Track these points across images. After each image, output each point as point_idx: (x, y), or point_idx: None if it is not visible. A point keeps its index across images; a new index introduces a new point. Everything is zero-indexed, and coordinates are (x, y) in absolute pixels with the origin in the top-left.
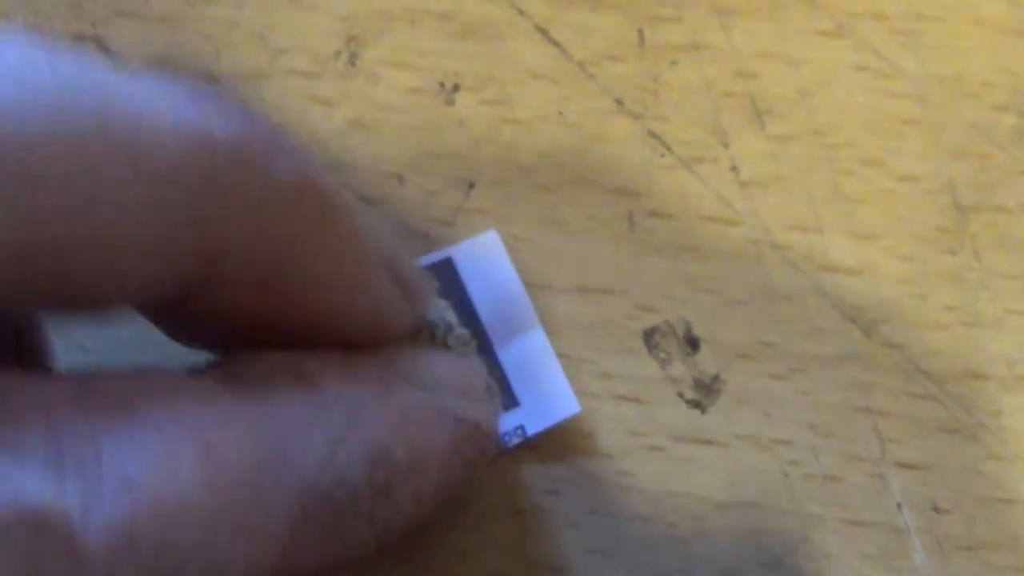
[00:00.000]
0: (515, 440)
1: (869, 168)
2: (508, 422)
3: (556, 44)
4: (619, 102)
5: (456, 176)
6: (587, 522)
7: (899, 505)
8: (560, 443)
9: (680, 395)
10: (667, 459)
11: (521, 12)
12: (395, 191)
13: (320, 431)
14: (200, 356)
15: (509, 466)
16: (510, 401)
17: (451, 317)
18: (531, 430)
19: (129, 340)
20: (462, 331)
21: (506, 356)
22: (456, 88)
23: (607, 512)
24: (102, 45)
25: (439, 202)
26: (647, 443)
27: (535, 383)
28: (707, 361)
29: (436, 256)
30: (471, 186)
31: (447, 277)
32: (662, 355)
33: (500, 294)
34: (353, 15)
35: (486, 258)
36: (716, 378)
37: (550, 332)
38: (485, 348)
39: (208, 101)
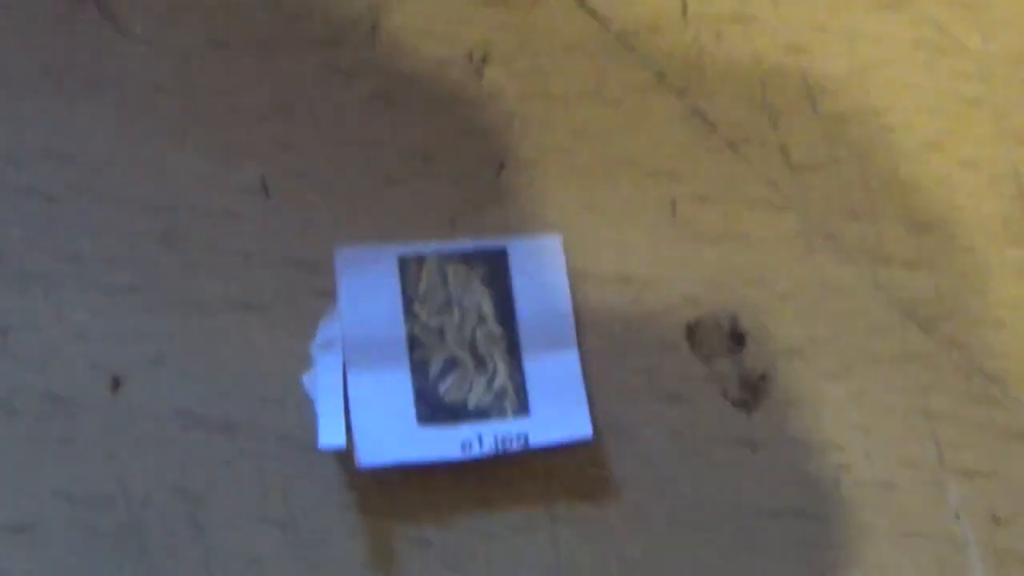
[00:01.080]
0: (514, 446)
1: (928, 152)
2: (511, 427)
3: (593, 13)
4: (661, 76)
5: (485, 156)
6: (623, 531)
7: (957, 515)
8: (594, 444)
9: (725, 394)
10: (710, 463)
11: None
12: (420, 170)
13: None
14: None
15: (540, 463)
16: (519, 408)
17: (487, 308)
18: (535, 442)
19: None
20: (495, 327)
21: (532, 366)
22: (485, 60)
23: (644, 520)
24: (104, 7)
25: (467, 183)
26: (689, 446)
27: (553, 398)
28: (754, 358)
29: (491, 244)
30: (501, 167)
31: (496, 268)
32: (706, 351)
33: (546, 303)
34: None
35: (543, 261)
36: (763, 376)
37: (586, 324)
38: (512, 351)
39: None
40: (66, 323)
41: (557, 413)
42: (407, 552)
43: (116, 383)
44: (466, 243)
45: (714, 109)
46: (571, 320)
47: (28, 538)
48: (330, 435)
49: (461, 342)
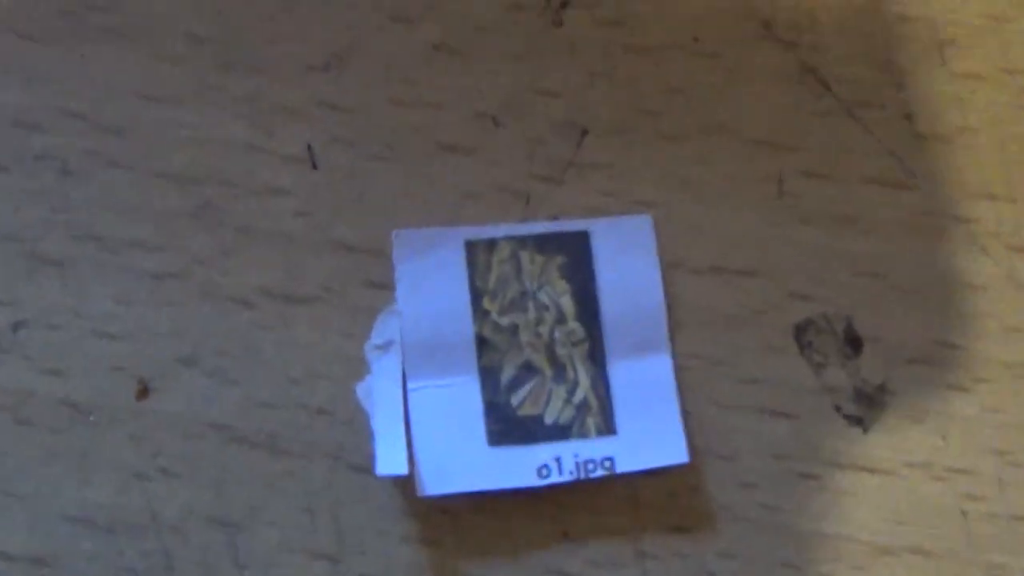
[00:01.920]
0: (599, 472)
1: None
2: (595, 449)
3: None
4: (767, 26)
5: (565, 120)
6: (720, 569)
7: None
8: (688, 466)
9: (838, 409)
10: (820, 490)
11: None
12: (488, 137)
13: None
14: None
15: (625, 489)
16: (604, 425)
17: (567, 305)
18: (622, 468)
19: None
20: (576, 326)
21: (618, 372)
22: (565, 4)
23: (745, 556)
24: None
25: (543, 152)
26: (796, 469)
27: (643, 414)
28: (871, 366)
29: (571, 226)
30: (583, 133)
31: (577, 255)
32: (816, 357)
33: (634, 297)
34: None
35: (631, 246)
36: (882, 388)
37: (679, 323)
38: (595, 355)
39: None
40: (86, 317)
41: (648, 433)
42: None
43: (144, 389)
44: (543, 224)
45: (828, 66)
46: (664, 318)
47: (44, 573)
48: (390, 460)
49: (537, 345)
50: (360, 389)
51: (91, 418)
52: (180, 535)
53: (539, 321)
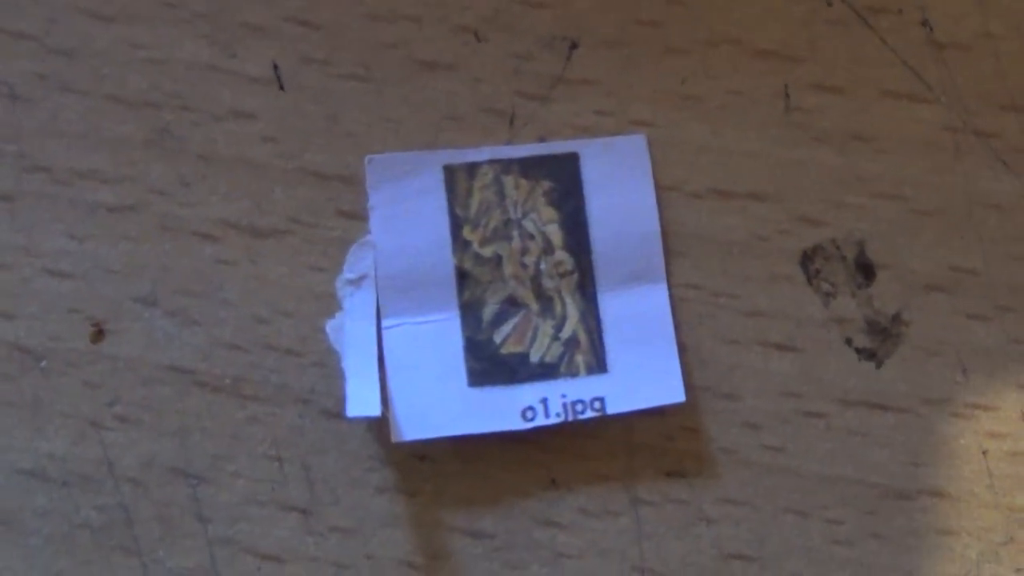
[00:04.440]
0: (588, 414)
1: None
2: (584, 389)
3: None
4: None
5: (553, 32)
6: (720, 516)
7: None
8: (685, 405)
9: (848, 341)
10: (830, 430)
11: None
12: (470, 53)
13: None
14: None
15: (618, 431)
16: (595, 363)
17: (554, 234)
18: (613, 409)
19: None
20: (563, 255)
21: (610, 305)
22: None
23: (747, 503)
24: None
25: (530, 68)
26: (804, 407)
27: (636, 351)
28: (885, 295)
29: (559, 147)
30: (573, 46)
31: (565, 180)
32: (825, 286)
33: (628, 223)
34: None
35: (623, 169)
36: (896, 318)
37: (677, 252)
38: (585, 287)
39: None
40: (36, 255)
41: (642, 370)
42: (458, 546)
43: (99, 332)
44: (528, 147)
45: None
46: (659, 245)
47: None
48: (361, 402)
49: (522, 277)
50: (331, 327)
51: (43, 364)
52: (139, 488)
53: (524, 251)
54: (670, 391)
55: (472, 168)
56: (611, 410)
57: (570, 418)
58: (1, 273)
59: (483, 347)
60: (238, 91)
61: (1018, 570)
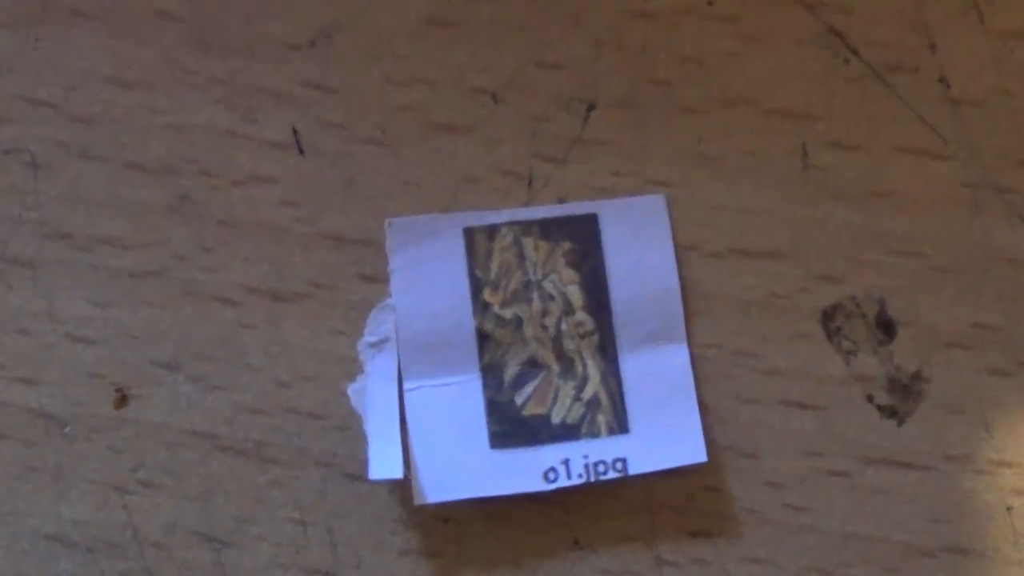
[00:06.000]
0: (611, 474)
1: None
2: (606, 450)
3: None
4: None
5: (570, 94)
6: (743, 575)
7: None
8: (708, 465)
9: (870, 399)
10: (852, 488)
11: None
12: (487, 115)
13: None
14: None
15: (641, 493)
16: (616, 424)
17: (574, 295)
18: (635, 469)
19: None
20: (583, 316)
21: (630, 366)
22: None
23: (770, 561)
24: None
25: (547, 130)
26: (826, 466)
27: (658, 411)
28: (906, 352)
29: (576, 208)
30: (590, 108)
31: (584, 241)
32: (846, 344)
33: (648, 283)
34: None
35: (643, 229)
36: (918, 375)
37: (696, 311)
38: (606, 348)
39: None
40: (58, 321)
41: (664, 430)
42: None
43: (122, 397)
44: (547, 208)
45: (856, 26)
46: (679, 306)
47: None
48: (384, 464)
49: (543, 338)
50: (353, 391)
51: (66, 429)
52: (163, 552)
53: (545, 313)
54: (692, 451)
55: (491, 230)
56: (633, 471)
57: (592, 479)
58: (24, 339)
59: (504, 409)
60: (257, 156)
61: None
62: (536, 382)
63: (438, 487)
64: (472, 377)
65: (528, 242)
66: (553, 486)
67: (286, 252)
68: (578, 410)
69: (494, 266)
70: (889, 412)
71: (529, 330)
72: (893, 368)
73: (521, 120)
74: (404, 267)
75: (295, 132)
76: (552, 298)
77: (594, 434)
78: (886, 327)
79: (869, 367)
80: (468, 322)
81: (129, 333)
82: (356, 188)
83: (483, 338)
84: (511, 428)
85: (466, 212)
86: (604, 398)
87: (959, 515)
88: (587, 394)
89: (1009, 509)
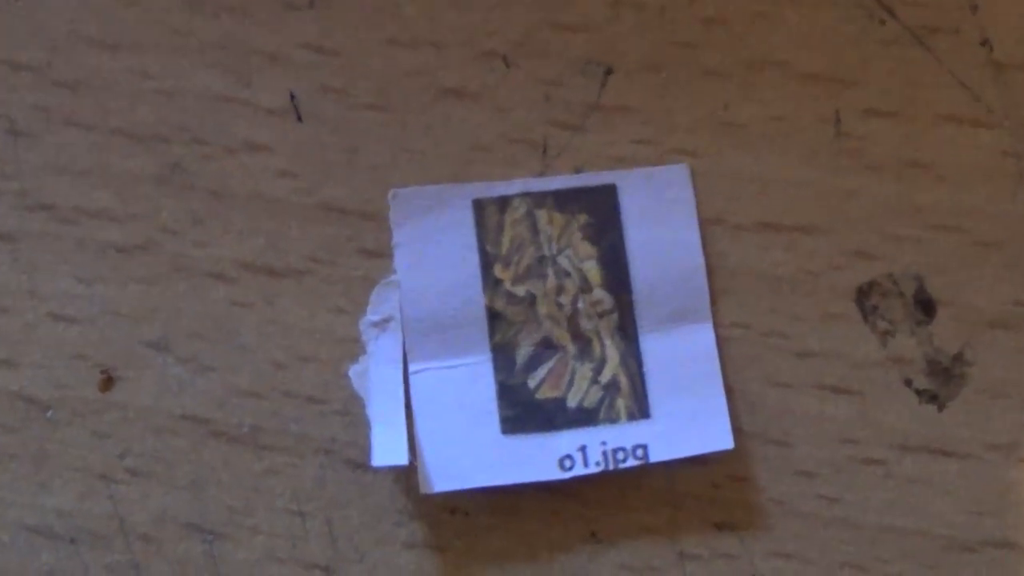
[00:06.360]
0: (630, 462)
1: None
2: (626, 436)
3: None
4: None
5: (586, 57)
6: (772, 571)
7: None
8: (734, 453)
9: (908, 383)
10: (889, 478)
11: None
12: (498, 80)
13: None
14: None
15: (663, 482)
16: (637, 408)
17: (592, 271)
18: (657, 457)
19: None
20: (601, 294)
21: (652, 346)
22: None
23: (801, 556)
24: None
25: (562, 95)
26: (861, 454)
27: (681, 395)
28: (946, 333)
29: (593, 178)
30: (608, 72)
31: (602, 213)
32: (883, 324)
33: (671, 259)
34: None
35: (664, 201)
36: (959, 358)
37: (722, 289)
38: (625, 327)
39: None
40: (41, 299)
41: (687, 415)
42: None
43: (108, 379)
44: (562, 178)
45: None
46: (704, 282)
47: None
48: (387, 450)
49: (558, 317)
50: (354, 372)
51: (49, 414)
52: (152, 544)
53: (560, 290)
54: (717, 437)
55: (503, 202)
56: (654, 458)
57: (611, 467)
58: (4, 318)
59: (517, 392)
60: (253, 123)
61: None
62: (550, 364)
63: (446, 475)
64: (482, 359)
65: (542, 214)
66: (569, 474)
67: (283, 225)
68: (596, 393)
69: (505, 240)
70: (929, 397)
71: (543, 308)
72: (933, 350)
73: (534, 85)
74: (409, 241)
75: (293, 97)
76: (568, 274)
77: (613, 419)
78: (925, 306)
79: (907, 349)
80: (478, 300)
81: (116, 311)
82: (358, 157)
83: (494, 317)
84: (524, 413)
85: (476, 183)
86: (624, 381)
87: (1003, 507)
88: (605, 377)
89: None
